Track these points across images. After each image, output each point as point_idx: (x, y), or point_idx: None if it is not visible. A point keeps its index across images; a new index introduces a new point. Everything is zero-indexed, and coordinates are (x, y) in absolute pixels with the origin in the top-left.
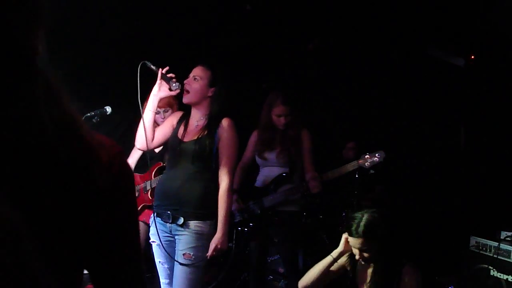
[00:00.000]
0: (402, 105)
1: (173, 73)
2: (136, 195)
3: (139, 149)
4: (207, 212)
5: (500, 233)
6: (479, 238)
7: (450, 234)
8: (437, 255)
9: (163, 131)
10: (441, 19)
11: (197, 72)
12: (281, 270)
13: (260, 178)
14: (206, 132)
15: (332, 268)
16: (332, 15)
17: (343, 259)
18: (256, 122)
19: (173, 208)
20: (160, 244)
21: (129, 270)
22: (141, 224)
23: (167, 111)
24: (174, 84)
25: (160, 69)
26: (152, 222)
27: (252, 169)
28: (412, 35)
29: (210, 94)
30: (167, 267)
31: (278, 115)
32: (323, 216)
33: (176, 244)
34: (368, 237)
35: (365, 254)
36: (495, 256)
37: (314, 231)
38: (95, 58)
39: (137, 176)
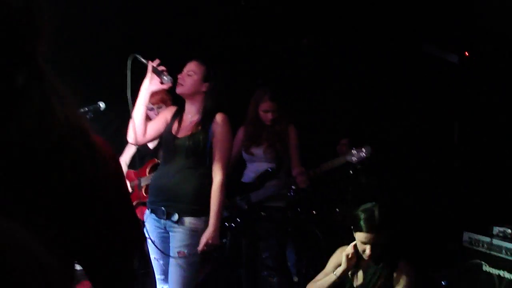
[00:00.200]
0: (396, 101)
1: (166, 68)
2: (130, 191)
3: (131, 144)
4: (202, 208)
5: (492, 229)
6: (472, 234)
7: (443, 229)
8: (430, 250)
9: (156, 126)
10: (436, 16)
11: (191, 67)
12: None
13: (247, 174)
14: (200, 128)
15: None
16: (326, 11)
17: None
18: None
19: (167, 204)
20: (154, 240)
21: (121, 262)
22: None
23: (160, 107)
24: (165, 77)
25: (150, 62)
26: (147, 218)
27: (238, 165)
28: (406, 32)
29: (204, 89)
30: (162, 263)
31: (265, 110)
32: (317, 212)
33: (171, 241)
34: (381, 230)
35: (375, 249)
36: (487, 251)
37: (307, 227)
38: (88, 53)
39: (131, 172)
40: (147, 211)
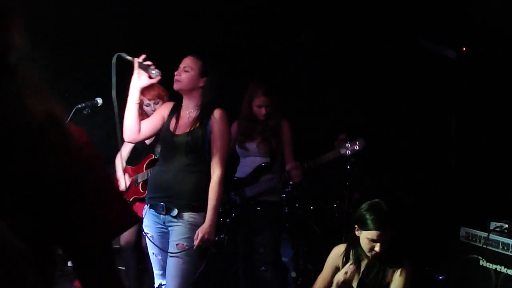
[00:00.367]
0: (393, 96)
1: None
2: (126, 186)
3: (126, 142)
4: (201, 204)
5: (489, 224)
6: (469, 229)
7: (441, 224)
8: (427, 245)
9: (152, 123)
10: (433, 11)
11: (187, 62)
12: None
13: (240, 169)
14: (198, 124)
15: None
16: (323, 6)
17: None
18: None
19: (167, 200)
20: (153, 236)
21: (103, 244)
22: None
23: (157, 103)
24: (153, 71)
25: (136, 58)
26: (146, 213)
27: (232, 160)
28: (404, 27)
29: (201, 84)
30: (161, 258)
31: (259, 105)
32: (315, 207)
33: (170, 235)
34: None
35: (384, 247)
36: (484, 246)
37: (305, 222)
38: (86, 49)
39: (128, 168)
40: (146, 207)
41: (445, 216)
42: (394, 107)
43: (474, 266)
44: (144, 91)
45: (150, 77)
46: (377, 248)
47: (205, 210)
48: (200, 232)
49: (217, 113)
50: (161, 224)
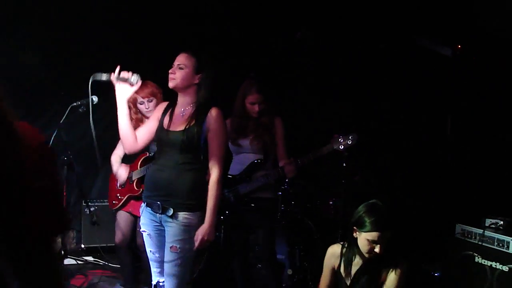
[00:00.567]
0: (389, 94)
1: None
2: (120, 184)
3: (128, 153)
4: (196, 203)
5: (485, 221)
6: (464, 226)
7: (436, 221)
8: (423, 242)
9: (148, 129)
10: (429, 9)
11: (181, 60)
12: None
13: (233, 166)
14: (194, 122)
15: None
16: (319, 4)
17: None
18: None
19: (163, 199)
20: (150, 234)
21: (40, 247)
22: (127, 215)
23: (151, 101)
24: (132, 79)
25: (112, 73)
26: (142, 211)
27: (227, 158)
28: (400, 25)
29: (196, 81)
30: (158, 256)
31: (252, 102)
32: (310, 205)
33: (165, 235)
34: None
35: (383, 247)
36: (479, 243)
37: (301, 220)
38: (80, 46)
39: (124, 166)
40: (143, 205)
41: (440, 213)
42: (390, 105)
43: (469, 263)
44: (138, 89)
45: (132, 85)
46: (377, 249)
47: (200, 210)
48: (200, 234)
49: (214, 111)
50: (158, 222)
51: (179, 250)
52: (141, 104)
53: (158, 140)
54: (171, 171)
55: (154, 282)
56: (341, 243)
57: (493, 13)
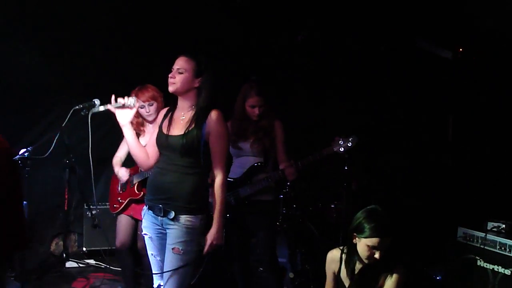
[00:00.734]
0: (390, 97)
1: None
2: (122, 186)
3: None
4: (198, 207)
5: (487, 224)
6: (466, 229)
7: (438, 225)
8: (425, 245)
9: (155, 142)
10: (430, 12)
11: (181, 63)
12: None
13: (234, 169)
14: (193, 126)
15: None
16: (320, 7)
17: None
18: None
19: (164, 202)
20: (152, 237)
21: None
22: (128, 218)
23: (151, 105)
24: (129, 102)
25: (108, 105)
26: (144, 214)
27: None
28: (401, 28)
29: (196, 85)
30: (160, 260)
31: (252, 105)
32: (312, 208)
33: (167, 238)
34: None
35: (383, 253)
36: (482, 246)
37: (303, 223)
38: (83, 49)
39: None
40: (145, 208)
41: (442, 216)
42: (391, 107)
43: (471, 266)
44: (138, 93)
45: (131, 108)
46: (377, 255)
47: (202, 213)
48: (209, 239)
49: (214, 114)
50: (159, 226)
51: (181, 252)
52: (141, 108)
53: (158, 144)
54: (172, 175)
55: (155, 286)
56: (340, 247)
57: (493, 15)
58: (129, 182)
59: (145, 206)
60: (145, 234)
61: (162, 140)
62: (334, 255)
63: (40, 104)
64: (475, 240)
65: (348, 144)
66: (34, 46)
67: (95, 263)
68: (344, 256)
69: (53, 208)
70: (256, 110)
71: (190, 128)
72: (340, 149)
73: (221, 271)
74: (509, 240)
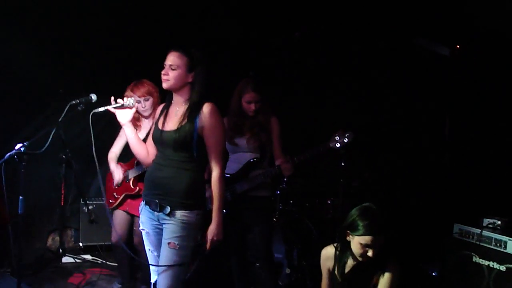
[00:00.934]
0: (387, 94)
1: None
2: (121, 177)
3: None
4: (194, 202)
5: (482, 220)
6: (462, 225)
7: (434, 221)
8: (421, 242)
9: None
10: (427, 9)
11: (173, 59)
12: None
13: (230, 165)
14: (186, 120)
15: None
16: (318, 4)
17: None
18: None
19: (160, 197)
20: (149, 232)
21: None
22: (124, 214)
23: (147, 100)
24: (128, 103)
25: (108, 106)
26: (141, 210)
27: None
28: (398, 25)
29: (190, 80)
30: (157, 255)
31: (248, 101)
32: (309, 204)
33: (163, 233)
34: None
35: (376, 251)
36: (477, 242)
37: (300, 219)
38: (79, 44)
39: (120, 165)
40: (142, 203)
41: (438, 213)
42: (388, 105)
43: (467, 263)
44: (134, 88)
45: (131, 108)
46: (370, 253)
47: (197, 208)
48: (209, 235)
49: (206, 107)
50: (156, 221)
51: (177, 246)
52: (137, 103)
53: (154, 139)
54: (168, 170)
55: (153, 281)
56: (334, 244)
57: (491, 13)
58: (124, 177)
59: (142, 201)
60: (142, 229)
61: (157, 135)
62: (328, 252)
63: (37, 99)
64: (471, 237)
65: (344, 140)
66: (30, 41)
67: (92, 259)
68: (337, 253)
69: (49, 203)
70: (252, 106)
71: (183, 123)
72: (337, 145)
73: (217, 267)
74: (504, 237)
